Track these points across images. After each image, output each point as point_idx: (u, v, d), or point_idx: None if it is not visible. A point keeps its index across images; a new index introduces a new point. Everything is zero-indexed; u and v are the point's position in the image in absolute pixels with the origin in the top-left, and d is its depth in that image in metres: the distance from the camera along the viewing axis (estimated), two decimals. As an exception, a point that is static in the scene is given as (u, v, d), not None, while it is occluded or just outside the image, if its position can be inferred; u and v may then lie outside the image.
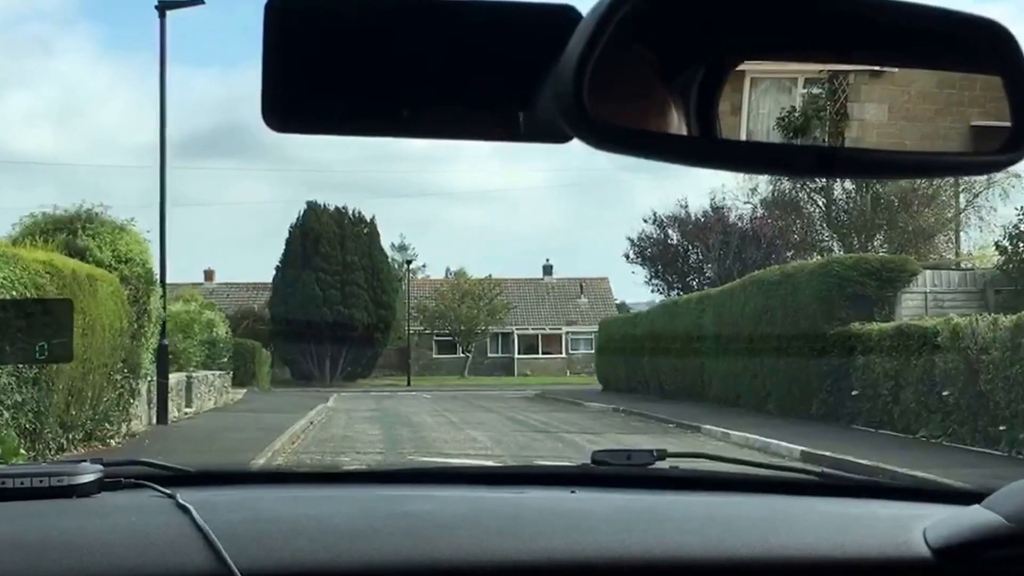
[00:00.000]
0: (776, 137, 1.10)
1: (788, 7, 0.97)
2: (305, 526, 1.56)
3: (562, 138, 0.95)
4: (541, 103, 0.93)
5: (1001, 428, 14.24)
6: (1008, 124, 1.00)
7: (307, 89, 0.94)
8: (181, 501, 1.58)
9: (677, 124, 1.02)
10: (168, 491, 1.67)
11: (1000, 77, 0.99)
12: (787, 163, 1.08)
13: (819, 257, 21.52)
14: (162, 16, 20.36)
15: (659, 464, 1.96)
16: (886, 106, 1.07)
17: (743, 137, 1.09)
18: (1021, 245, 22.86)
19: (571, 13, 0.92)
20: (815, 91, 1.09)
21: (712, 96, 1.06)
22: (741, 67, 1.07)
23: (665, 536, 1.57)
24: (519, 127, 0.97)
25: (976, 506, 1.50)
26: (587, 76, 0.88)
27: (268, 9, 0.92)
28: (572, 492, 1.87)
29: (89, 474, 1.71)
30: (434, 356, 59.82)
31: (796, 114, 1.09)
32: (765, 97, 1.09)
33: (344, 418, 24.21)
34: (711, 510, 1.77)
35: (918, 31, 0.99)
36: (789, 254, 38.02)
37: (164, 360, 19.20)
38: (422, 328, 57.86)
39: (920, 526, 1.54)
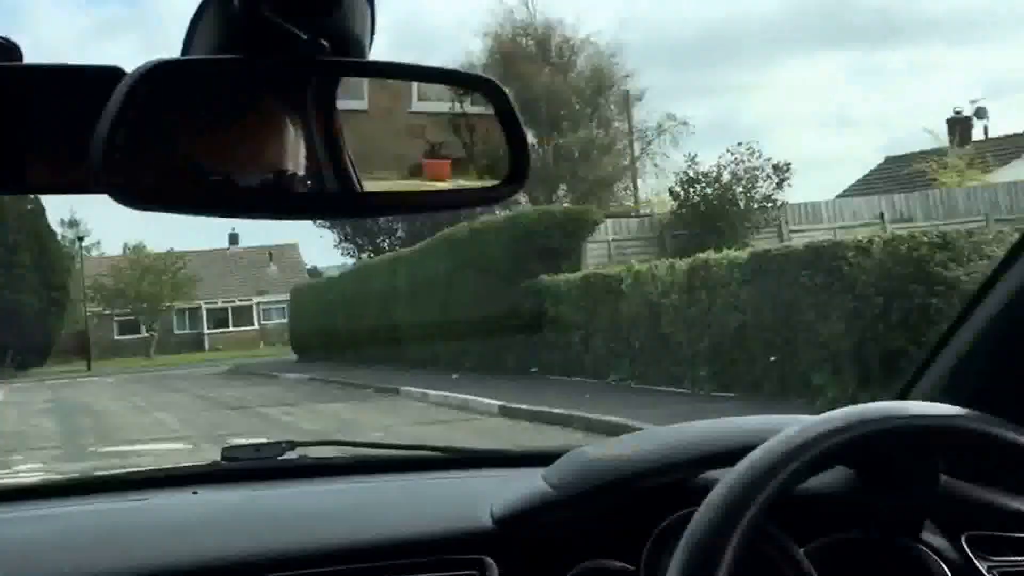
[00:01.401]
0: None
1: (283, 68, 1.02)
2: None
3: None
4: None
5: (683, 368, 14.83)
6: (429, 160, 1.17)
7: None
8: None
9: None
10: None
11: (498, 122, 1.13)
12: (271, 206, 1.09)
13: (507, 212, 21.77)
14: None
15: (289, 454, 1.98)
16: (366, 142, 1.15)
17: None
18: (692, 190, 24.11)
19: (120, 74, 0.96)
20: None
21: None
22: None
23: (287, 528, 1.59)
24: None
25: (537, 476, 1.61)
26: (109, 141, 0.91)
27: None
28: (194, 493, 1.84)
29: None
30: (116, 338, 56.42)
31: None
32: None
33: (15, 412, 22.30)
34: (338, 497, 1.80)
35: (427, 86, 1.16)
36: (478, 209, 38.41)
37: None
38: (101, 309, 54.54)
39: (492, 496, 1.62)
